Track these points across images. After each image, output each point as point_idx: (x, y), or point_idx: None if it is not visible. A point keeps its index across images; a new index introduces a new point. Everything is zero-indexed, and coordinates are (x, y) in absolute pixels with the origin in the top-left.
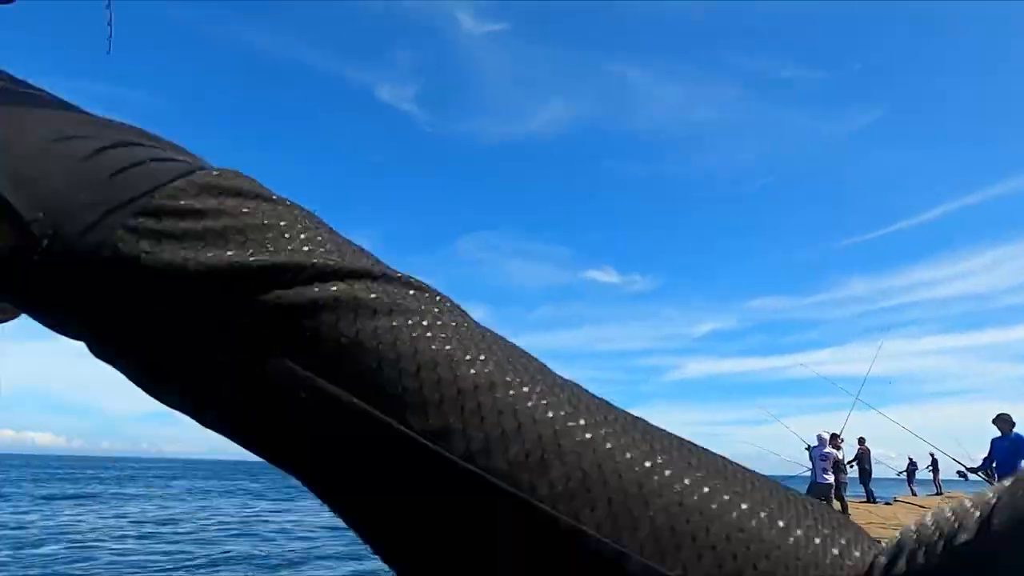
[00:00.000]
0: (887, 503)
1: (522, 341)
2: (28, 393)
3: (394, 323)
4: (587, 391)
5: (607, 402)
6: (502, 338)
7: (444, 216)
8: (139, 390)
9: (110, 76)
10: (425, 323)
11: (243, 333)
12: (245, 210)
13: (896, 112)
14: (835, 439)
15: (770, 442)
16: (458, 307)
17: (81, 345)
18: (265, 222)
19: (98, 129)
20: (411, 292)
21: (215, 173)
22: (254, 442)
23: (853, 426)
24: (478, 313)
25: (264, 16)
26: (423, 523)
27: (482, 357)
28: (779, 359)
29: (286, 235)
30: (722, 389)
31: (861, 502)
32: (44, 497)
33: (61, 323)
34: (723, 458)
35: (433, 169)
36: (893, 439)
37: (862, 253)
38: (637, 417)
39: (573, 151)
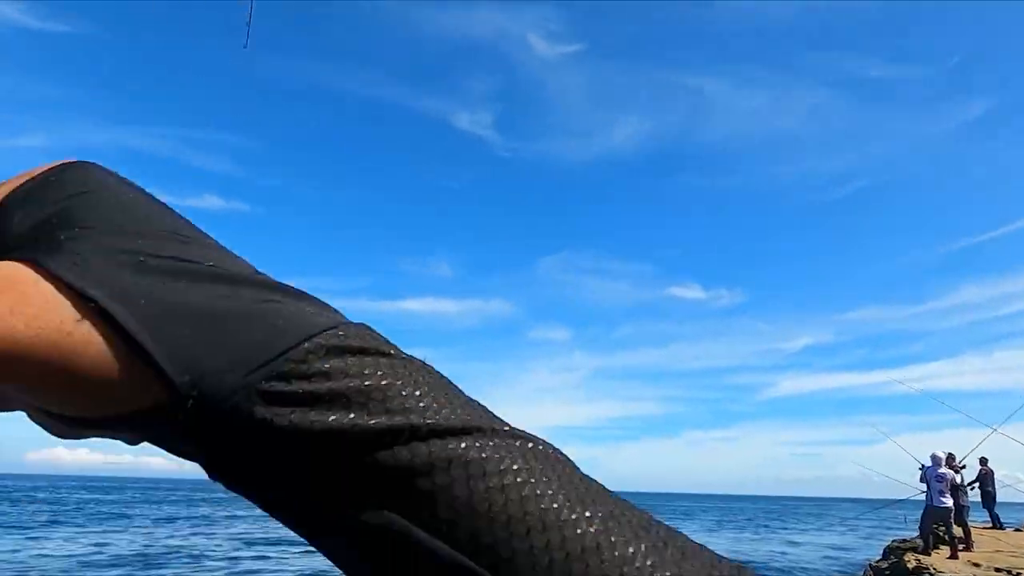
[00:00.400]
0: (1016, 529)
1: (605, 361)
2: None
3: (505, 482)
4: (691, 540)
5: (712, 553)
6: (602, 487)
7: (523, 239)
8: None
9: (208, 123)
10: (533, 480)
11: (358, 487)
12: (367, 371)
13: (1004, 103)
14: (952, 460)
15: (877, 463)
16: (563, 456)
17: None
18: (384, 382)
19: (231, 282)
20: (518, 444)
21: (341, 333)
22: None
23: (974, 445)
24: (561, 334)
25: (342, 58)
26: None
27: (587, 514)
28: (882, 374)
29: (403, 392)
30: (821, 407)
31: (986, 527)
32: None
33: (176, 452)
34: None
35: (511, 192)
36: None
37: (972, 257)
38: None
39: (651, 166)
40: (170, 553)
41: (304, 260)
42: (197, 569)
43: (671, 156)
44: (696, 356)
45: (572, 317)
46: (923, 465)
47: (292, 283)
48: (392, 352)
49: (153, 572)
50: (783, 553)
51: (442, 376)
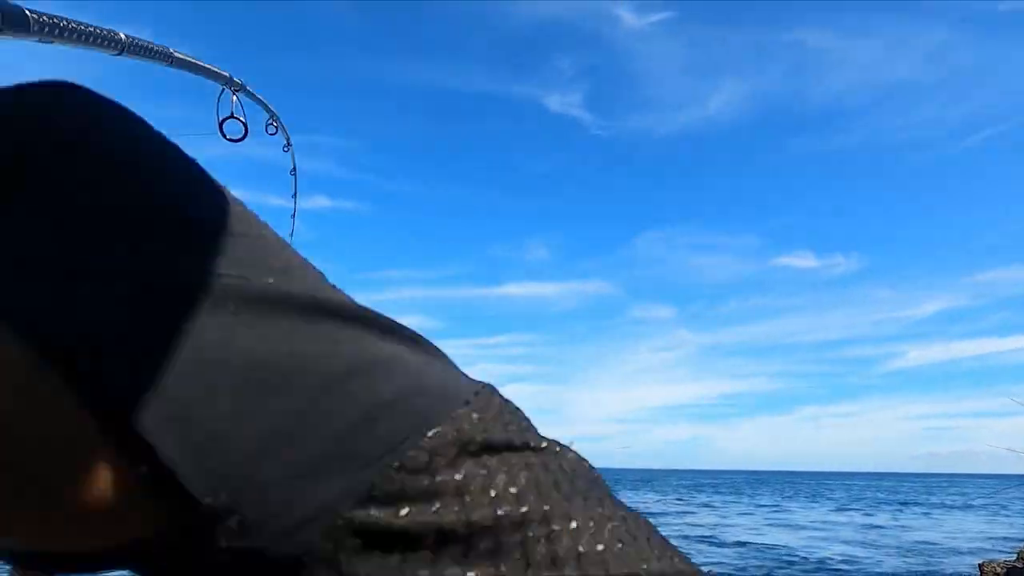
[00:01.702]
0: None
1: (712, 338)
2: None
3: None
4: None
5: None
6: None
7: (621, 218)
8: None
9: (312, 128)
10: None
11: None
12: (512, 489)
13: None
14: None
15: (1020, 437)
16: None
17: None
18: (541, 509)
19: (311, 314)
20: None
21: (477, 416)
22: None
23: None
24: (664, 313)
25: (432, 54)
26: None
27: None
28: None
29: (559, 529)
30: (955, 377)
31: None
32: None
33: None
34: None
35: (606, 171)
36: None
37: None
38: None
39: (753, 132)
40: None
41: (405, 251)
42: None
43: (774, 119)
44: (810, 329)
45: (675, 294)
46: None
47: (395, 273)
48: (539, 445)
49: None
50: (925, 542)
51: (595, 473)
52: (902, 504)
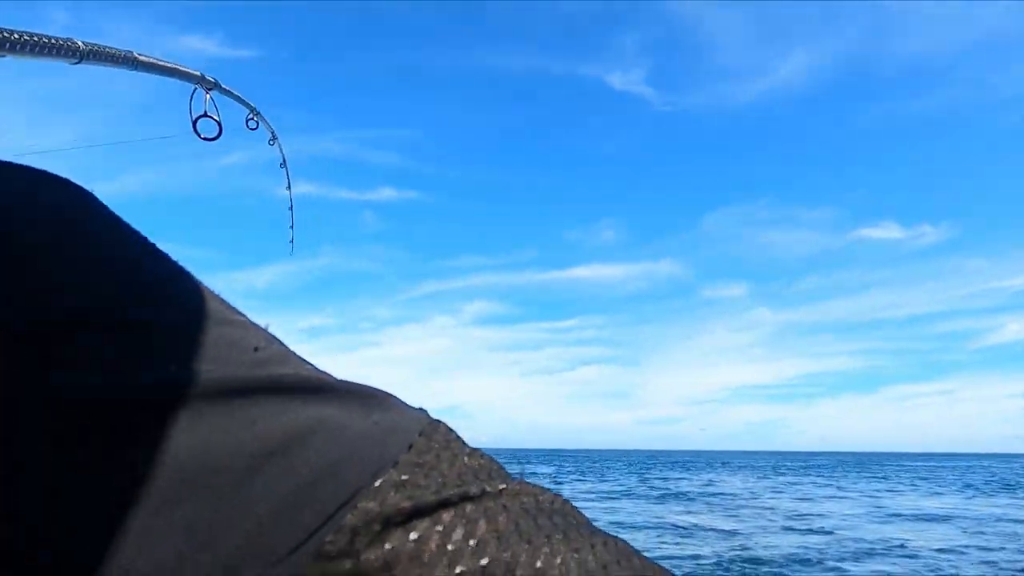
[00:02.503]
0: None
1: (790, 316)
2: None
3: None
4: None
5: None
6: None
7: (690, 195)
8: (426, 386)
9: (377, 122)
10: None
11: None
12: (450, 555)
13: None
14: None
15: None
16: None
17: (383, 352)
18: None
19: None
20: None
21: (406, 478)
22: None
23: None
24: (738, 291)
25: (493, 39)
26: None
27: None
28: None
29: None
30: None
31: None
32: None
33: None
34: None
35: (673, 148)
36: None
37: None
38: None
39: (828, 99)
40: None
41: (474, 238)
42: None
43: (850, 84)
44: (895, 304)
45: (750, 272)
46: None
47: (465, 261)
48: (494, 489)
49: None
50: None
51: (564, 503)
52: (1007, 487)
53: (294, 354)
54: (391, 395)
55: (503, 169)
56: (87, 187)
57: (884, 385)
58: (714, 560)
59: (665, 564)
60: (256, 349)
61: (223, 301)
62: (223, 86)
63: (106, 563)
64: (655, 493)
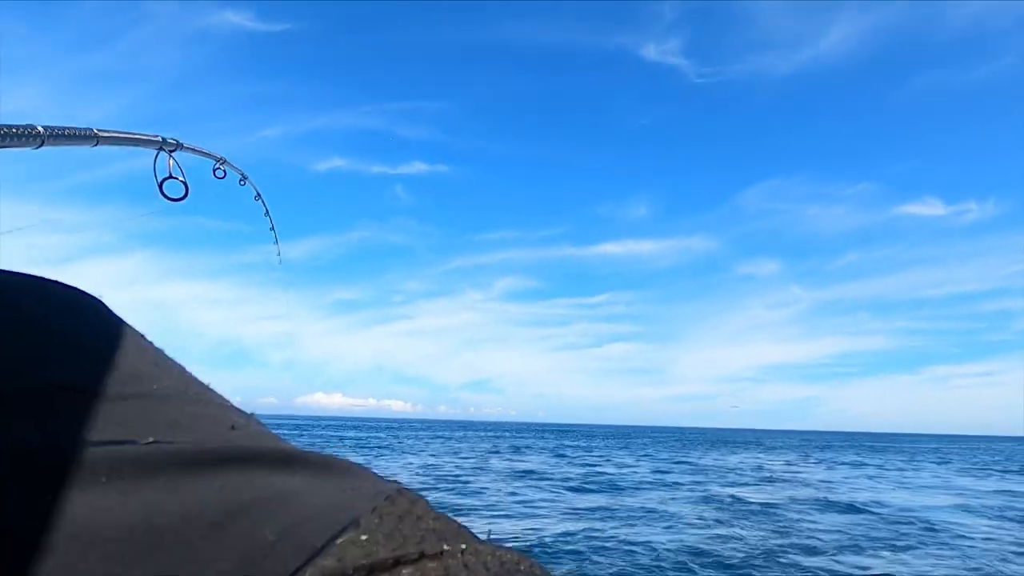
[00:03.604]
0: None
1: (826, 294)
2: (380, 368)
3: None
4: None
5: None
6: None
7: (724, 170)
8: (456, 360)
9: (409, 94)
10: None
11: None
12: None
13: None
14: None
15: None
16: None
17: (415, 326)
18: None
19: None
20: None
21: (365, 538)
22: None
23: None
24: (772, 268)
25: (524, 12)
26: None
27: None
28: None
29: None
30: None
31: None
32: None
33: None
34: None
35: (708, 122)
36: None
37: None
38: None
39: (871, 69)
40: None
41: (503, 213)
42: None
43: (895, 53)
44: (937, 282)
45: (785, 249)
46: None
47: (496, 235)
48: (440, 550)
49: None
50: None
51: (515, 558)
52: None
53: (271, 434)
54: (364, 467)
55: (534, 143)
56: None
57: (924, 365)
58: (760, 542)
59: (710, 547)
60: (233, 427)
61: (210, 390)
62: (185, 145)
63: None
64: (693, 471)
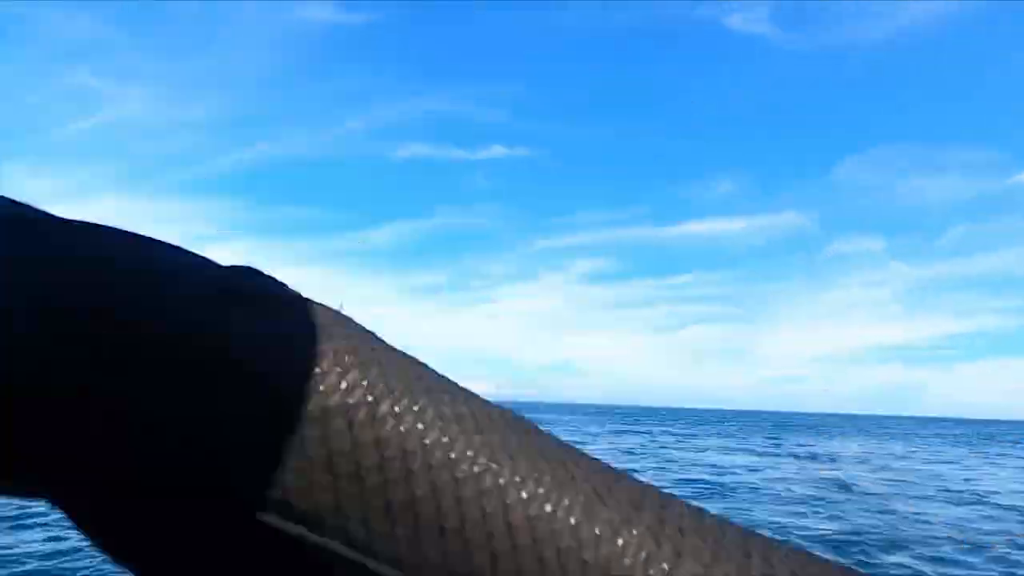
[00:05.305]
0: None
1: (931, 271)
2: (465, 350)
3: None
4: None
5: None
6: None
7: (817, 142)
8: (538, 342)
9: (488, 78)
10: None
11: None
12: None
13: None
14: None
15: None
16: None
17: (496, 308)
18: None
19: None
20: None
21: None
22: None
23: None
24: (871, 244)
25: None
26: None
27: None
28: None
29: None
30: None
31: None
32: None
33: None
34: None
35: (798, 92)
36: None
37: None
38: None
39: (981, 25)
40: None
41: (583, 195)
42: None
43: (1003, 10)
44: None
45: (885, 223)
46: None
47: (579, 217)
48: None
49: None
50: None
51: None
52: None
53: None
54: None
55: (613, 122)
56: None
57: None
58: (868, 531)
59: (802, 537)
60: None
61: None
62: None
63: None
64: (792, 457)
